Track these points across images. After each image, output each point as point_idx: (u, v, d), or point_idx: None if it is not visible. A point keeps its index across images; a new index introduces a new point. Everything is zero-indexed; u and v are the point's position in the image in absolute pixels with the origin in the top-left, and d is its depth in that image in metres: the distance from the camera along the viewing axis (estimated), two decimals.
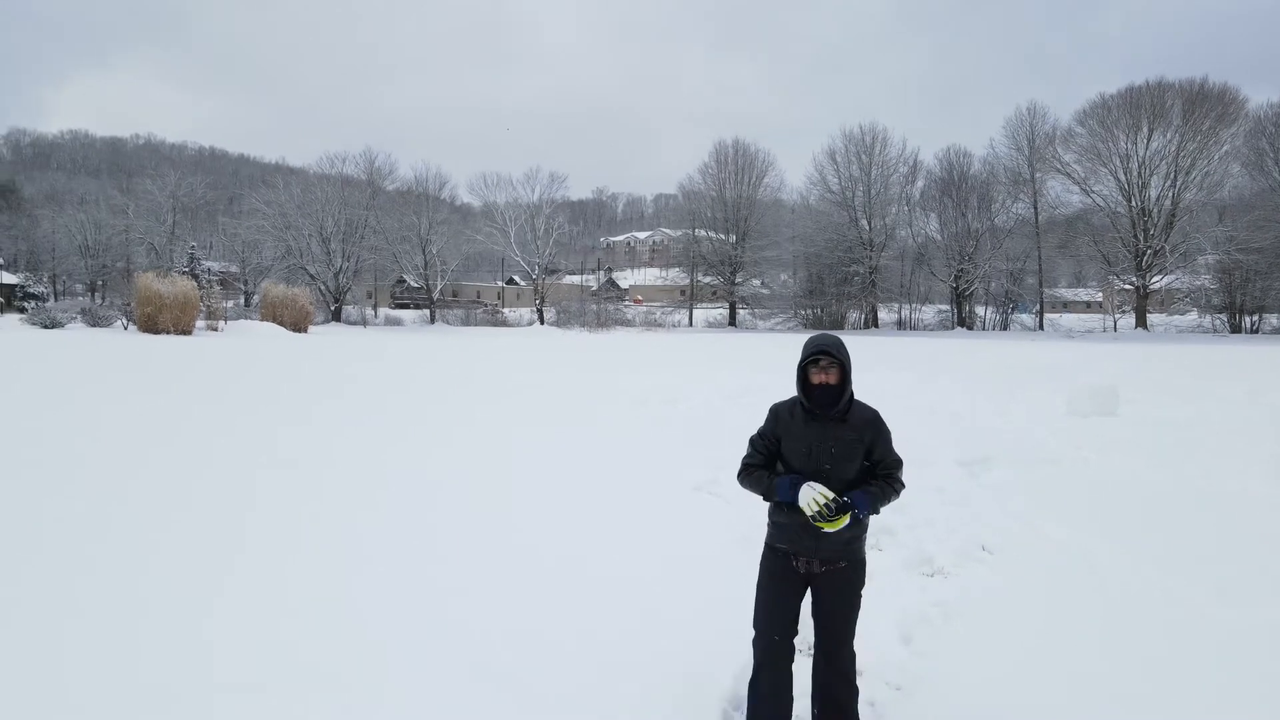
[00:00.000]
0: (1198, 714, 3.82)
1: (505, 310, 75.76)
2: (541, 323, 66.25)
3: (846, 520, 3.28)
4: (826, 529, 3.29)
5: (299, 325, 44.26)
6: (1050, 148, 57.62)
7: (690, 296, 73.17)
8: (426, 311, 67.35)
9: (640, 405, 14.49)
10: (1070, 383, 16.03)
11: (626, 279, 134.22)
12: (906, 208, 65.37)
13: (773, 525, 3.56)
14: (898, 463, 3.52)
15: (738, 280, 68.51)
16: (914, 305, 64.99)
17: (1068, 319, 65.04)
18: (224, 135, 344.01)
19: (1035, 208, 59.18)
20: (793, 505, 3.34)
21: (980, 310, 62.74)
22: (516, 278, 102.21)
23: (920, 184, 65.48)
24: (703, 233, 70.22)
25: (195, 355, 24.08)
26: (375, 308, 69.98)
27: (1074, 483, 8.47)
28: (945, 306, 64.11)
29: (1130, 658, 4.40)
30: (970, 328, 60.15)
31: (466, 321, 63.94)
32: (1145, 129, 52.54)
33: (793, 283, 68.34)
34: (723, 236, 68.80)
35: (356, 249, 62.61)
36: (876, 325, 64.18)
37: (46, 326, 37.10)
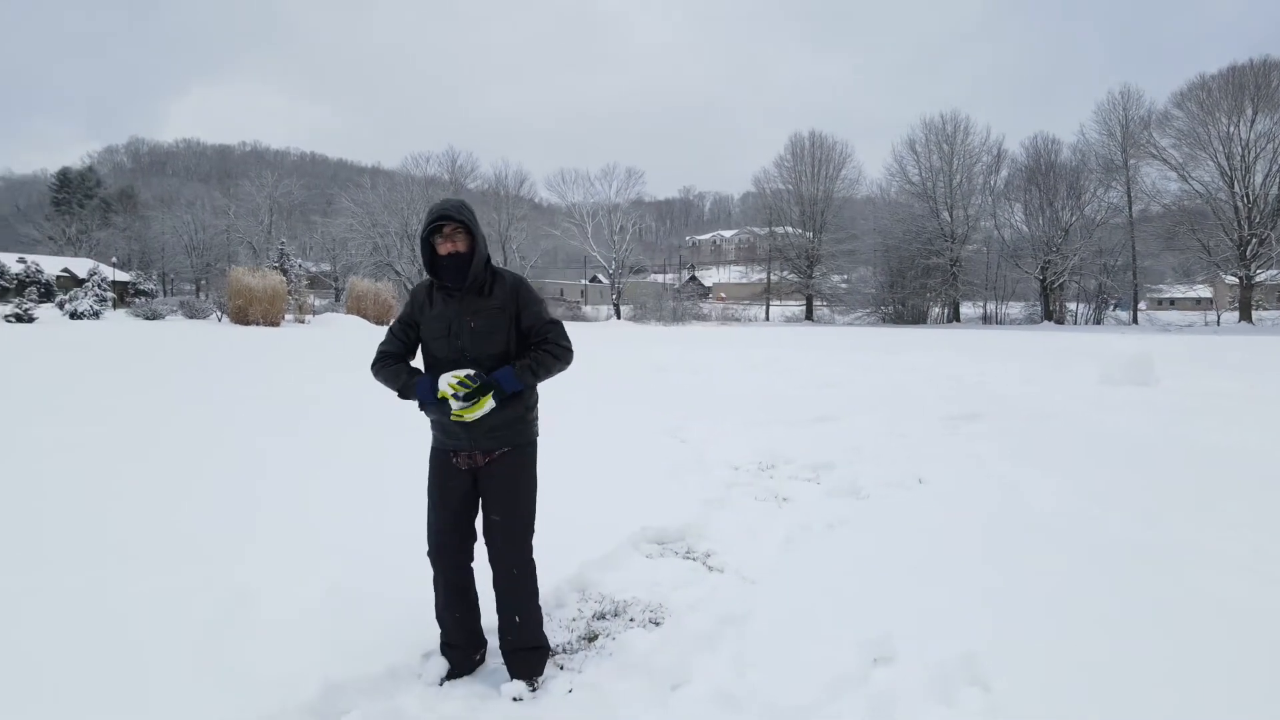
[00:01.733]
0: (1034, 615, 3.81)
1: (586, 307, 76.74)
2: (618, 318, 66.86)
3: (489, 403, 3.01)
4: (468, 417, 3.01)
5: (382, 318, 45.97)
6: (1145, 133, 54.81)
7: (767, 292, 72.64)
8: None
9: (660, 370, 14.71)
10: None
11: (711, 277, 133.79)
12: (990, 198, 63.27)
13: (432, 425, 3.24)
14: (551, 325, 3.18)
15: (814, 275, 67.64)
16: (999, 300, 62.84)
17: (1170, 315, 61.72)
18: (325, 141, 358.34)
19: (1129, 196, 56.41)
20: (438, 404, 3.06)
21: (1071, 305, 60.20)
22: (600, 276, 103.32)
23: (1004, 173, 63.25)
24: (780, 228, 69.62)
25: (271, 342, 25.40)
26: None
27: (1057, 435, 8.31)
28: (1033, 301, 61.73)
29: (991, 567, 4.35)
30: (1060, 322, 57.82)
31: None
32: (1249, 111, 49.48)
33: (871, 277, 66.92)
34: (799, 231, 68.06)
35: None
36: (959, 319, 62.35)
37: (147, 319, 39.60)
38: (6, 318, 35.22)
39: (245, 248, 67.45)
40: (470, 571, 3.32)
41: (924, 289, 61.47)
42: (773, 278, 72.44)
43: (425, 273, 3.16)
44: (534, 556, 3.33)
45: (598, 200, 73.14)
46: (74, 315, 38.87)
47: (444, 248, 3.05)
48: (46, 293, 51.62)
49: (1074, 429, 8.59)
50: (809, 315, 67.98)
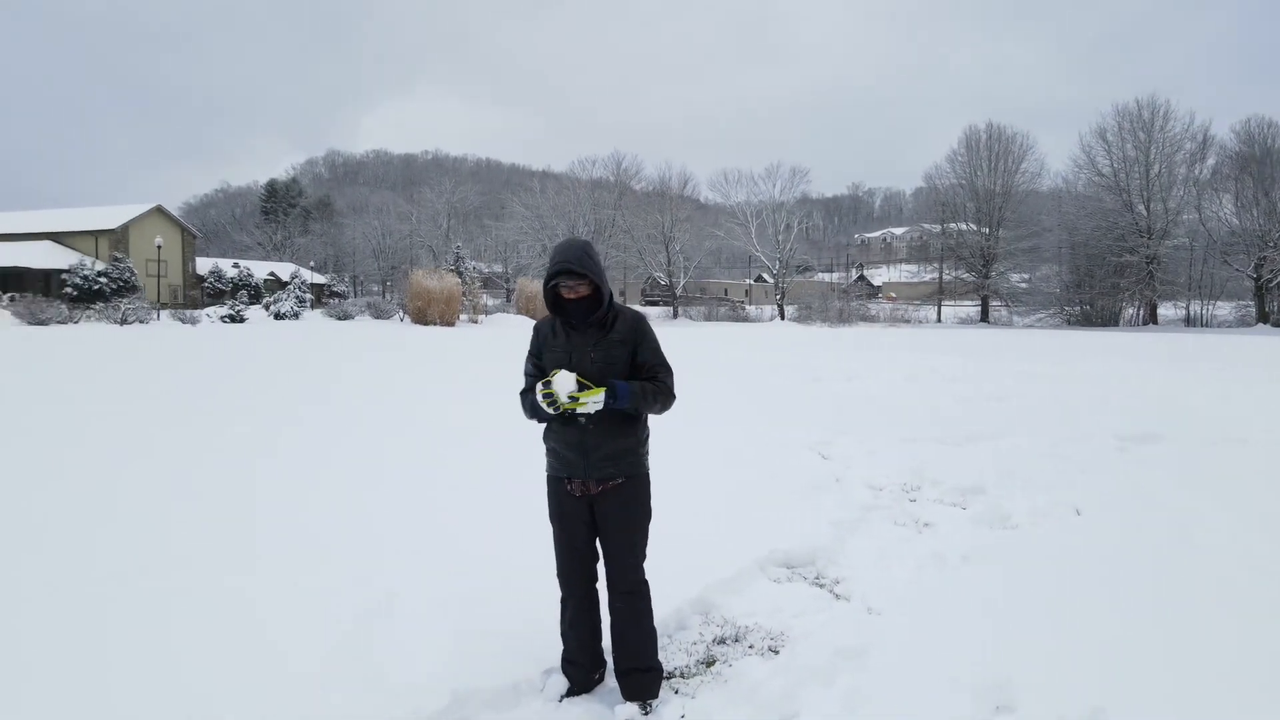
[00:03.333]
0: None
1: (749, 307, 76.35)
2: (782, 319, 66.08)
3: (601, 394, 3.08)
4: (582, 397, 3.08)
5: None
6: None
7: (939, 292, 69.60)
8: (670, 307, 69.53)
9: (815, 380, 14.48)
10: None
11: (880, 276, 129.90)
12: (1194, 189, 57.71)
13: (548, 454, 3.38)
14: (664, 366, 3.31)
15: (991, 274, 64.13)
16: (1205, 300, 57.26)
17: None
18: (499, 146, 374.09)
19: None
20: (562, 421, 3.21)
21: None
22: (765, 275, 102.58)
23: (1211, 161, 57.48)
24: (954, 225, 66.50)
25: (447, 343, 26.93)
26: (624, 303, 73.43)
27: (1249, 467, 7.51)
28: (1246, 301, 55.79)
29: (1142, 616, 4.06)
30: (1279, 325, 52.02)
31: (709, 317, 65.25)
32: None
33: (1055, 276, 62.56)
34: (974, 228, 64.73)
35: (605, 247, 66.13)
36: (1155, 322, 57.36)
37: (339, 319, 43.00)
38: (223, 318, 39.18)
39: (425, 251, 71.81)
40: (595, 592, 3.46)
41: (1115, 289, 56.84)
42: (946, 277, 69.33)
43: (549, 311, 3.33)
44: (648, 579, 3.42)
45: (762, 199, 72.55)
46: (278, 316, 42.66)
47: (568, 295, 3.21)
48: (255, 295, 56.91)
49: (1273, 460, 7.77)
50: (984, 316, 64.57)
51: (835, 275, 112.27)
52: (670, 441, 5.67)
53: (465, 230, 75.61)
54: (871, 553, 5.08)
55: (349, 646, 3.65)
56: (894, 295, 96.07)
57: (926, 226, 77.11)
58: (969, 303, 70.20)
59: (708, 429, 9.22)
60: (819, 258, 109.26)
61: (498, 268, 73.98)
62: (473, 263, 68.71)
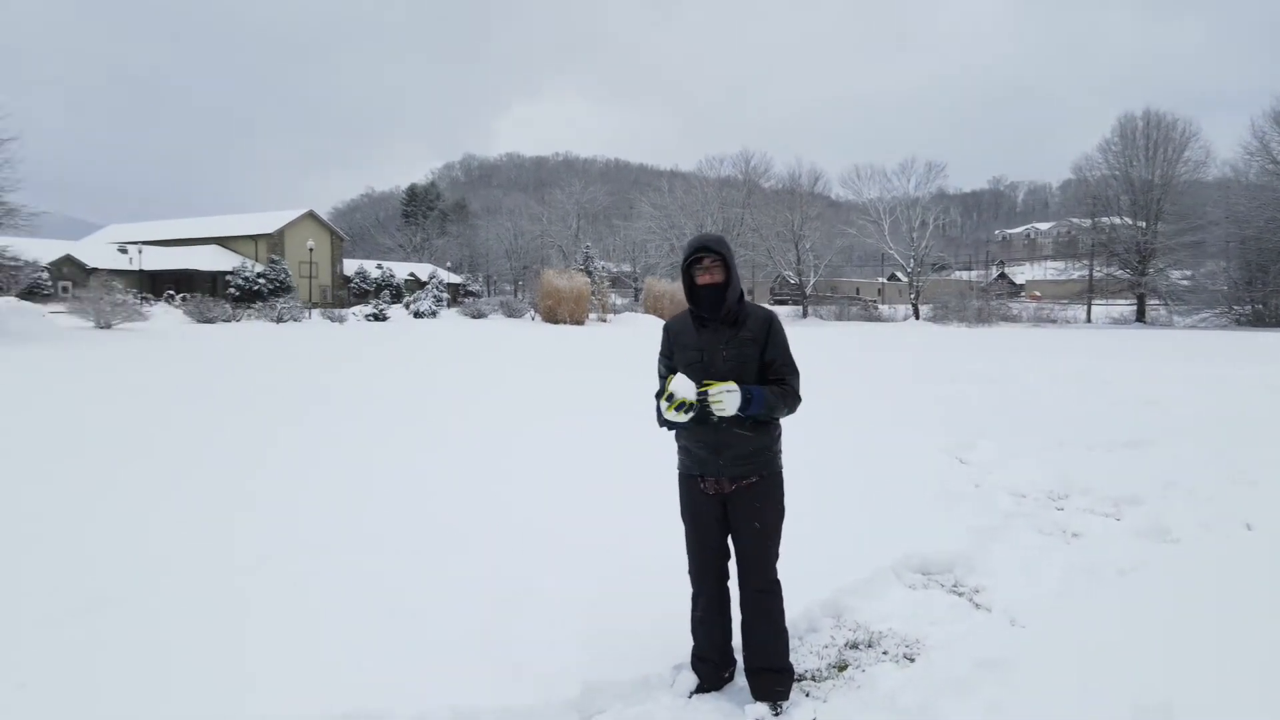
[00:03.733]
0: None
1: (882, 306, 74.24)
2: (917, 318, 63.93)
3: (731, 385, 3.05)
4: (712, 401, 3.03)
5: (679, 314, 48.12)
6: None
7: (1089, 290, 65.62)
8: (800, 307, 68.43)
9: (951, 381, 13.95)
10: None
11: (1023, 274, 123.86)
12: None
13: (681, 452, 3.39)
14: (790, 367, 3.27)
15: (1148, 270, 59.92)
16: None
17: None
18: (627, 146, 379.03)
19: None
20: (696, 419, 3.16)
21: None
22: (898, 274, 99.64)
23: None
24: (1106, 219, 62.48)
25: (578, 340, 27.51)
26: (753, 302, 72.94)
27: None
28: None
29: None
30: None
31: (840, 316, 63.82)
32: None
33: (1222, 272, 57.74)
34: (1129, 222, 60.62)
35: (733, 246, 65.55)
36: None
37: (474, 318, 44.56)
38: (366, 316, 41.31)
39: (556, 251, 73.47)
40: (726, 590, 3.44)
41: None
42: (1096, 274, 65.29)
43: (686, 300, 3.34)
44: (780, 579, 3.37)
45: (895, 195, 70.40)
46: (417, 314, 44.63)
47: (702, 279, 3.23)
48: (396, 295, 59.69)
49: None
50: (1140, 316, 60.39)
51: (974, 273, 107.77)
52: (800, 441, 5.57)
53: (594, 230, 76.92)
54: (1014, 562, 4.83)
55: (489, 634, 3.78)
56: (1038, 294, 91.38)
57: (1075, 221, 72.63)
58: (1123, 302, 65.87)
59: (838, 429, 9.03)
60: (956, 255, 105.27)
61: (626, 267, 74.93)
62: (601, 262, 69.84)
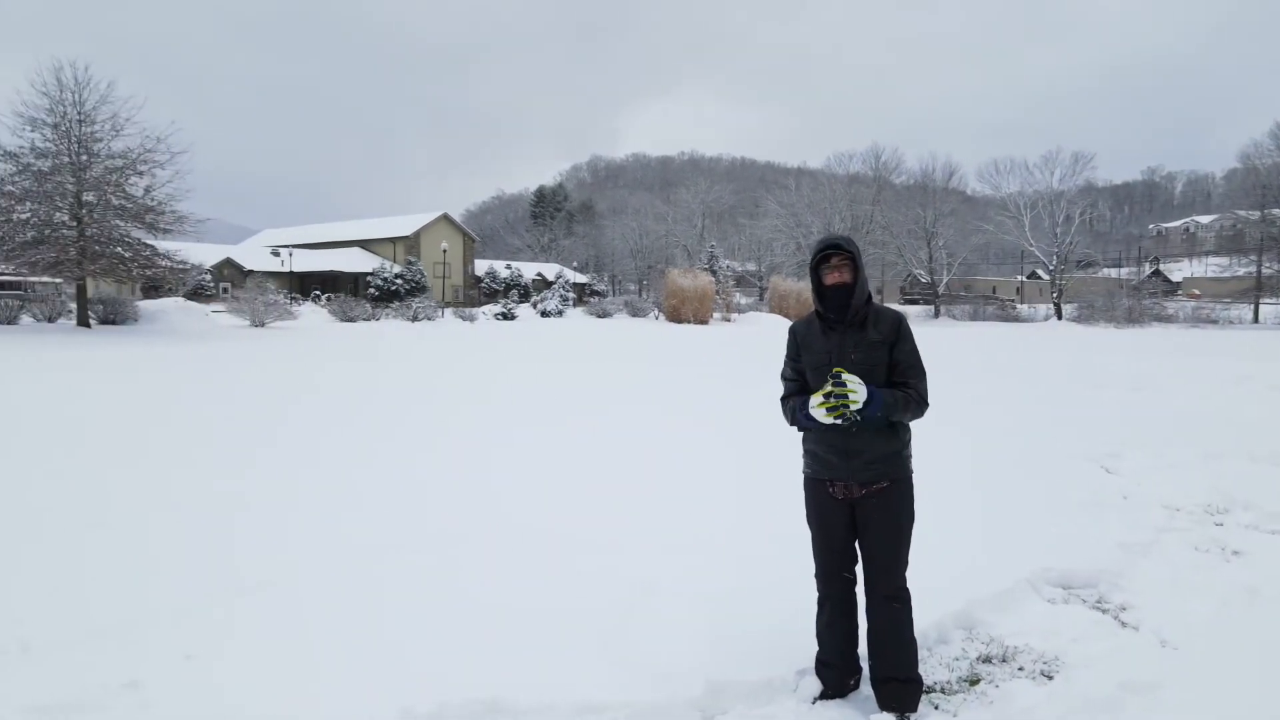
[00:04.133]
0: None
1: (1021, 305, 70.77)
2: (1059, 318, 60.63)
3: (857, 379, 3.00)
4: (851, 398, 2.98)
5: (804, 316, 47.47)
6: None
7: (1257, 288, 60.52)
8: (931, 306, 66.12)
9: (1096, 387, 13.20)
10: None
11: (1181, 270, 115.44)
12: None
13: (807, 455, 3.34)
14: (917, 370, 3.18)
15: None
16: None
17: None
18: (753, 144, 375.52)
19: None
20: (824, 427, 3.12)
21: None
22: (1039, 271, 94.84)
23: None
24: (1278, 210, 57.45)
25: (700, 337, 27.56)
26: (882, 302, 71.01)
27: None
28: None
29: None
30: None
31: (974, 316, 61.19)
32: None
33: None
34: None
35: (862, 244, 64.19)
36: None
37: (599, 317, 45.31)
38: (495, 316, 42.66)
39: (680, 250, 73.70)
40: (853, 596, 3.39)
41: None
42: (1266, 271, 60.16)
43: (814, 299, 3.30)
44: (909, 587, 3.30)
45: (1037, 189, 66.82)
46: (544, 314, 45.72)
47: (830, 278, 3.19)
48: (524, 294, 61.35)
49: None
50: None
51: (1124, 270, 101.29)
52: (931, 445, 5.42)
53: (719, 229, 76.69)
54: (1165, 580, 4.54)
55: (615, 631, 3.86)
56: (1197, 292, 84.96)
57: (1241, 213, 67.13)
58: None
59: (971, 433, 8.70)
60: (1104, 251, 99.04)
61: (751, 266, 74.38)
62: (726, 261, 69.61)
